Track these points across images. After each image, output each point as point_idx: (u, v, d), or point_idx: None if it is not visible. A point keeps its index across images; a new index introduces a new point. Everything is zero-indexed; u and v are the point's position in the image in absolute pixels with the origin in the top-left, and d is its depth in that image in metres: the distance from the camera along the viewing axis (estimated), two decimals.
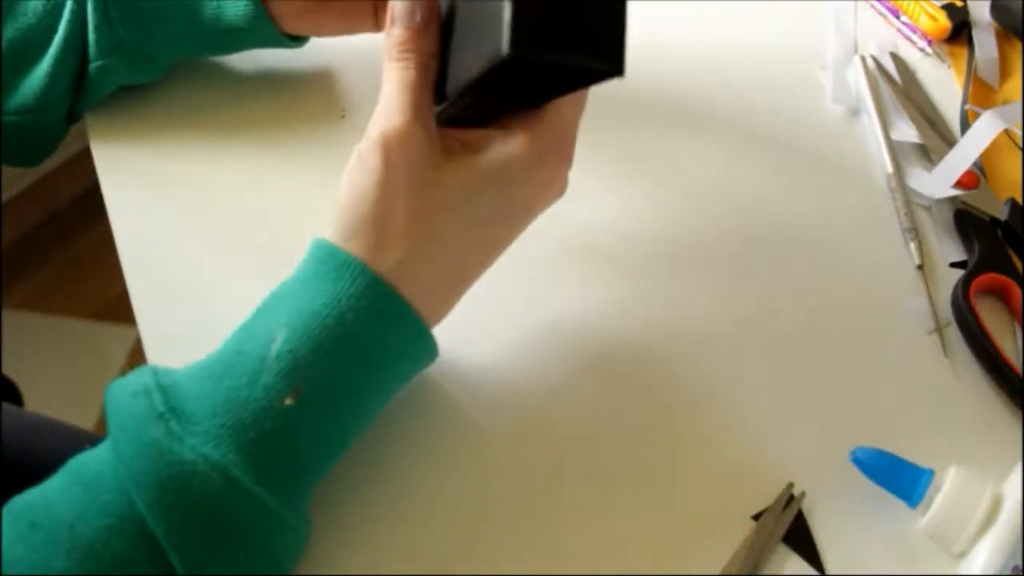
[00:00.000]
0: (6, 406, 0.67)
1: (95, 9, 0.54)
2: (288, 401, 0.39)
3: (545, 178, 0.44)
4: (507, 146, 0.42)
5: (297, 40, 0.58)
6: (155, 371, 0.41)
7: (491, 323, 0.51)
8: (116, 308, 1.45)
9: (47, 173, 1.51)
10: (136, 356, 1.41)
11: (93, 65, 0.56)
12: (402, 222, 0.41)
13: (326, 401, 0.40)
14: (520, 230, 0.45)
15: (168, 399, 0.39)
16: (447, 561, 0.44)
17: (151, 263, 0.54)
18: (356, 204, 0.42)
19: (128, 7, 0.54)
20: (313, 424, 0.40)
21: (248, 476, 0.38)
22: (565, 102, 0.43)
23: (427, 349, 0.43)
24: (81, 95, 0.58)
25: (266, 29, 0.56)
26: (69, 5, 0.54)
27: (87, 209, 1.54)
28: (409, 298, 0.41)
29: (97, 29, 0.54)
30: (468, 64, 0.41)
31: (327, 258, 0.41)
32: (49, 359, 1.40)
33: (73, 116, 0.59)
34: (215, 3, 0.55)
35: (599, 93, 0.43)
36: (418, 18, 0.43)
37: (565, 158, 0.44)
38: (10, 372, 0.82)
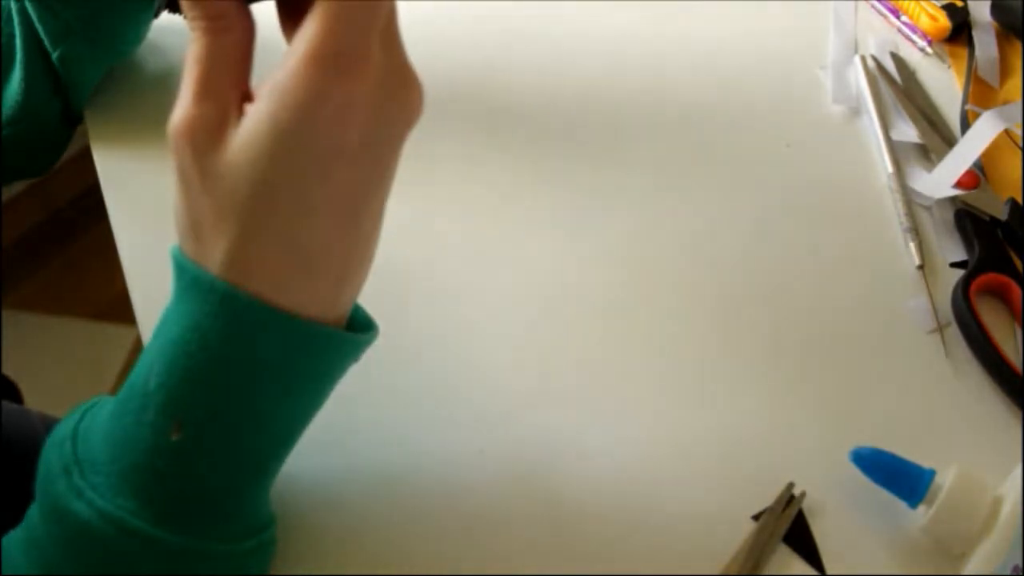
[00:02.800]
0: (8, 404, 0.67)
1: (32, 1, 0.52)
2: (175, 436, 0.36)
3: (338, 102, 0.34)
4: (278, 83, 0.34)
5: None
6: (85, 409, 0.40)
7: (491, 319, 0.51)
8: (116, 308, 1.45)
9: (47, 173, 1.51)
10: (136, 356, 1.41)
11: (54, 56, 0.54)
12: (212, 215, 0.36)
13: (214, 427, 0.37)
14: (382, 176, 0.37)
15: (77, 448, 0.38)
16: (446, 560, 0.44)
17: (151, 263, 0.54)
18: (176, 206, 0.38)
19: None
20: (209, 452, 0.37)
21: (148, 521, 0.36)
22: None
23: (322, 340, 0.38)
24: (66, 92, 0.57)
25: None
26: (14, 5, 0.53)
27: (87, 209, 1.54)
28: (263, 291, 0.36)
29: (41, 19, 0.53)
30: None
31: (181, 274, 0.37)
32: (49, 359, 1.40)
33: (72, 118, 0.59)
34: None
35: (599, 93, 0.43)
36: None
37: (351, 70, 0.34)
38: (10, 372, 0.82)
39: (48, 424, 0.68)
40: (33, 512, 0.39)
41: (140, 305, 0.52)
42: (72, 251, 1.54)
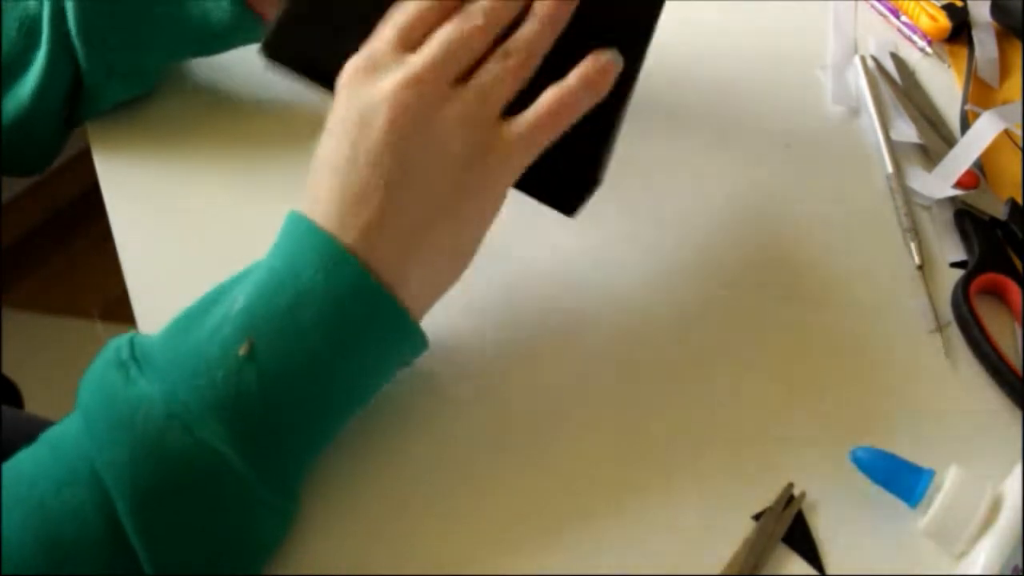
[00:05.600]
0: (5, 408, 0.67)
1: (80, 38, 0.53)
2: (242, 351, 0.39)
3: (376, 93, 0.42)
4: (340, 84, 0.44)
5: None
6: (136, 333, 0.42)
7: (492, 322, 0.51)
8: (116, 308, 1.44)
9: (47, 173, 1.51)
10: None
11: (88, 89, 0.56)
12: (364, 179, 0.42)
13: (280, 357, 0.40)
14: (497, 199, 0.44)
15: (134, 350, 0.40)
16: (444, 560, 0.44)
17: (151, 263, 0.54)
18: (325, 166, 0.43)
19: (113, 31, 0.54)
20: (266, 378, 0.39)
21: (193, 415, 0.38)
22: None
23: (401, 324, 0.42)
24: (79, 109, 0.58)
25: (252, 28, 0.55)
26: (45, 30, 0.53)
27: (87, 209, 1.54)
28: (377, 269, 0.41)
29: (87, 58, 0.54)
30: None
31: (292, 228, 0.42)
32: (49, 359, 1.40)
33: (73, 123, 0.59)
34: (199, 10, 0.54)
35: None
36: None
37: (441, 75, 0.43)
38: (10, 372, 0.82)
39: (43, 428, 0.68)
40: (71, 416, 0.40)
41: (140, 305, 0.52)
42: (72, 251, 1.54)
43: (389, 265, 0.41)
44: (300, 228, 0.42)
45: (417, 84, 0.42)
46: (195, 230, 0.55)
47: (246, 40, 0.57)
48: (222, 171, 0.58)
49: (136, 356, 0.40)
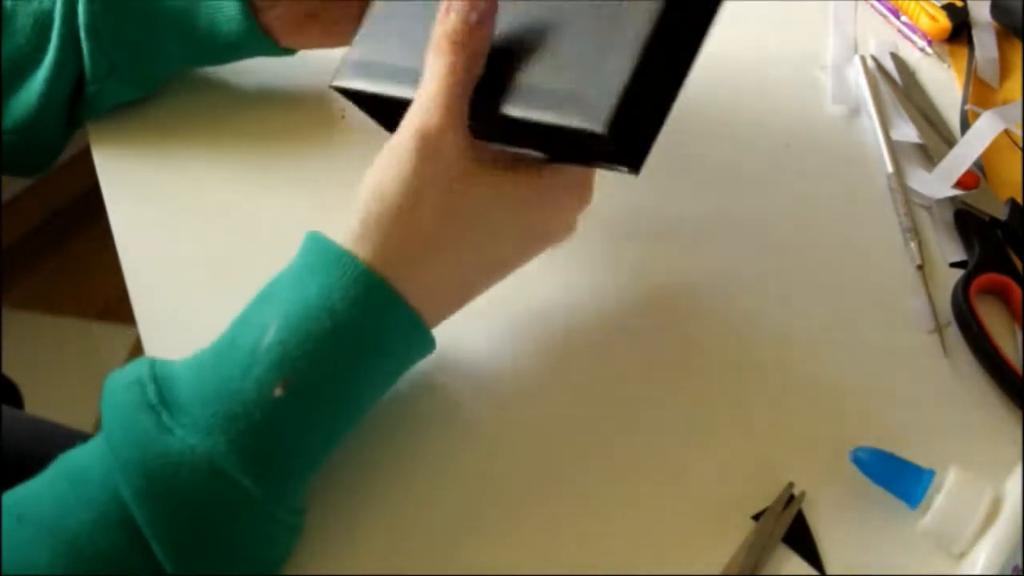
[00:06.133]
0: (5, 408, 0.67)
1: (88, 35, 0.54)
2: (278, 392, 0.39)
3: (562, 214, 0.46)
4: (532, 174, 0.44)
5: (289, 51, 0.58)
6: (152, 363, 0.41)
7: (488, 326, 0.51)
8: (116, 308, 1.45)
9: (47, 173, 1.51)
10: (136, 356, 1.41)
11: (90, 89, 0.56)
12: (426, 223, 0.42)
13: (316, 392, 0.40)
14: (526, 257, 0.47)
15: (161, 390, 0.40)
16: (443, 560, 0.44)
17: (151, 263, 0.54)
18: (378, 199, 0.42)
19: (121, 31, 0.54)
20: (303, 415, 0.40)
21: (236, 467, 0.38)
22: None
23: (422, 341, 0.43)
24: (80, 110, 0.58)
25: (260, 42, 0.56)
26: (56, 27, 0.54)
27: (87, 209, 1.54)
28: (406, 295, 0.41)
29: (92, 55, 0.54)
30: (533, 101, 0.43)
31: (320, 251, 0.42)
32: (49, 359, 1.40)
33: (75, 124, 0.59)
34: (208, 20, 0.55)
35: None
36: (475, 15, 0.43)
37: (584, 199, 0.47)
38: (10, 372, 0.82)
39: (49, 428, 0.68)
40: (91, 450, 0.40)
41: (140, 305, 0.52)
42: (72, 251, 1.54)
43: (410, 280, 0.42)
44: (332, 255, 0.41)
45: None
46: (195, 230, 0.55)
47: (252, 53, 0.57)
48: (222, 171, 0.58)
49: (165, 399, 0.39)
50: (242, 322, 0.42)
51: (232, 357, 0.40)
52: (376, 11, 0.52)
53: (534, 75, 0.44)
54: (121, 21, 0.54)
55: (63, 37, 0.54)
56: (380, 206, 0.42)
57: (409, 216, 0.41)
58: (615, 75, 0.41)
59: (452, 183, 0.42)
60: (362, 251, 0.41)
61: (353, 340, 0.40)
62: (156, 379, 0.40)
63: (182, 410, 0.39)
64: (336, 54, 0.62)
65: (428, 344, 0.44)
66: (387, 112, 0.52)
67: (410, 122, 0.42)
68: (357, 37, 0.52)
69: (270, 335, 0.40)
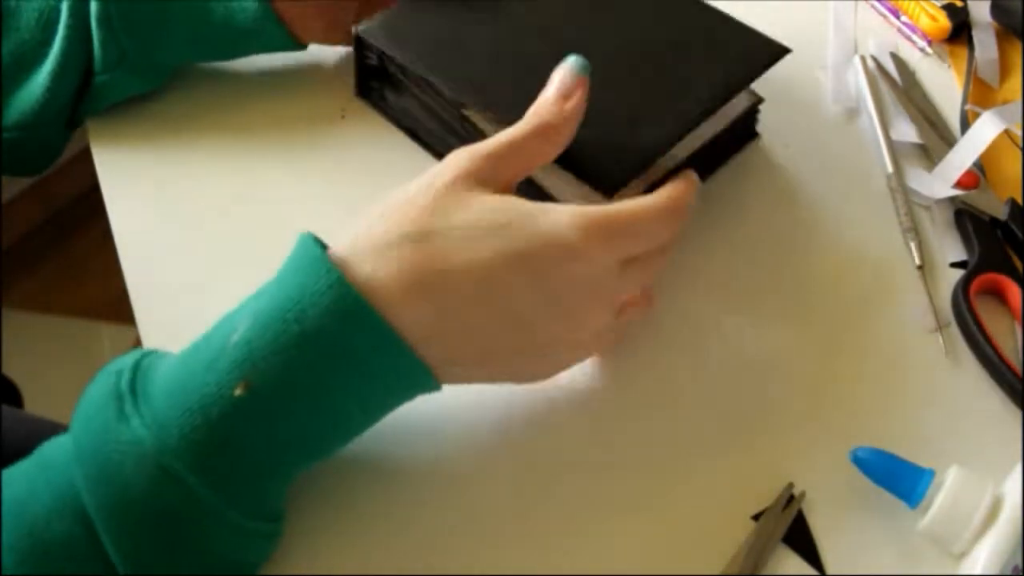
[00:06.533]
0: (5, 408, 0.67)
1: (99, 23, 0.54)
2: (238, 391, 0.38)
3: (588, 268, 0.42)
4: (554, 214, 0.42)
5: (301, 45, 0.59)
6: (144, 352, 0.41)
7: None
8: (116, 308, 1.45)
9: (47, 173, 1.51)
10: None
11: (99, 79, 0.56)
12: (436, 261, 0.40)
13: (277, 396, 0.38)
14: (545, 331, 0.42)
15: (135, 379, 0.39)
16: (443, 560, 0.44)
17: (151, 263, 0.54)
18: (388, 219, 0.41)
19: (133, 18, 0.54)
20: (262, 419, 0.38)
21: (182, 463, 0.37)
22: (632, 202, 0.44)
23: (414, 372, 0.41)
24: (83, 106, 0.58)
25: (275, 33, 0.56)
26: (64, 19, 0.54)
27: (87, 209, 1.54)
28: (395, 321, 0.39)
29: (102, 42, 0.54)
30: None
31: (303, 252, 0.40)
32: (49, 359, 1.40)
33: (76, 122, 0.59)
34: (224, 9, 0.55)
35: None
36: (568, 106, 0.45)
37: (612, 249, 0.42)
38: (10, 372, 0.82)
39: (42, 428, 0.68)
40: (63, 437, 0.40)
41: (140, 305, 0.52)
42: (72, 251, 1.54)
43: (404, 307, 0.40)
44: (311, 257, 0.40)
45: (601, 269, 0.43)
46: (195, 230, 0.55)
47: (264, 45, 0.57)
48: (222, 171, 0.58)
49: (135, 387, 0.39)
50: (225, 317, 0.41)
51: (202, 351, 0.39)
52: None
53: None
54: (134, 8, 0.54)
55: (71, 29, 0.54)
56: (386, 225, 0.41)
57: (417, 246, 0.40)
58: (642, 152, 0.49)
59: (476, 232, 0.40)
60: (353, 265, 0.40)
61: (321, 349, 0.39)
62: (136, 368, 0.40)
63: (147, 400, 0.38)
64: (334, 55, 0.63)
65: (425, 378, 0.41)
66: (392, 88, 0.54)
67: (458, 161, 0.42)
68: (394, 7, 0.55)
69: (239, 333, 0.39)
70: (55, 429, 0.63)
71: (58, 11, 0.54)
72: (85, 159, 0.59)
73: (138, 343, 0.48)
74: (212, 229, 0.55)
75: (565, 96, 0.45)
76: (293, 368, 0.38)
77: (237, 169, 0.58)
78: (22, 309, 1.48)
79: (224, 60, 0.61)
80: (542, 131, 0.44)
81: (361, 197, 0.57)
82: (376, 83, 0.57)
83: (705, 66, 0.53)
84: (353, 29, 0.54)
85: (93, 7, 0.53)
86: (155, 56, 0.57)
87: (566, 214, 0.42)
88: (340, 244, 0.41)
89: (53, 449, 0.40)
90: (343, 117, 0.60)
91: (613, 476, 0.47)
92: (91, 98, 0.57)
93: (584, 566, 0.44)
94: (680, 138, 0.51)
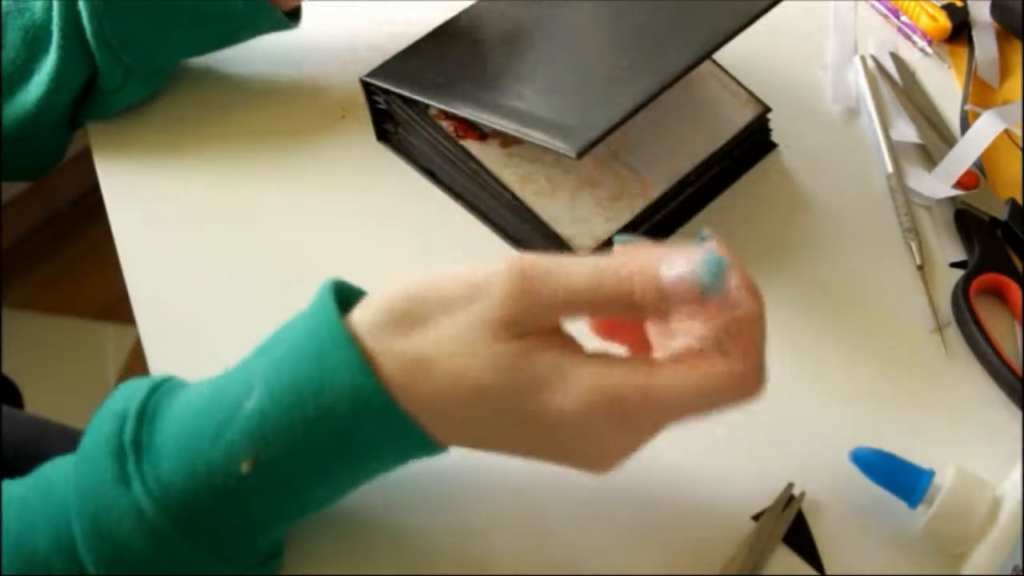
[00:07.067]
0: (5, 408, 0.67)
1: (99, 45, 0.53)
2: (245, 467, 0.37)
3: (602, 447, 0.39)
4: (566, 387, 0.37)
5: (293, 19, 0.59)
6: (151, 391, 0.40)
7: None
8: (116, 308, 1.45)
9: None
10: (136, 356, 1.41)
11: (108, 97, 0.56)
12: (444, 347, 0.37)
13: (284, 473, 0.38)
14: (550, 449, 0.40)
15: (139, 430, 0.38)
16: (443, 560, 0.44)
17: (151, 263, 0.54)
18: (427, 302, 0.38)
19: (130, 34, 0.54)
20: (266, 492, 0.38)
21: (183, 530, 0.37)
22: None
23: (422, 447, 0.39)
24: (87, 112, 0.58)
25: (269, 17, 0.56)
26: (56, 39, 0.53)
27: (87, 209, 1.54)
28: (408, 405, 0.37)
29: (105, 63, 0.54)
30: (526, 122, 0.49)
31: (329, 326, 0.38)
32: (49, 359, 1.40)
33: (75, 125, 0.59)
34: (216, 5, 0.55)
35: None
36: (663, 305, 0.37)
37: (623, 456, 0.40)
38: (10, 372, 0.82)
39: (49, 428, 0.68)
40: (65, 468, 0.39)
41: (140, 305, 0.52)
42: (72, 251, 1.54)
43: (432, 412, 0.38)
44: (332, 332, 0.37)
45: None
46: (195, 230, 0.55)
47: (261, 31, 0.58)
48: (222, 171, 0.58)
49: (140, 440, 0.38)
50: (241, 369, 0.39)
51: (214, 410, 0.38)
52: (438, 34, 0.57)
53: (535, 103, 0.49)
54: (127, 22, 0.54)
55: (64, 46, 0.53)
56: (423, 309, 0.38)
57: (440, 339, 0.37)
58: (601, 121, 0.48)
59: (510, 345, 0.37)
60: (374, 345, 0.37)
61: (336, 435, 0.37)
62: (142, 416, 0.39)
63: (151, 458, 0.38)
64: (342, 46, 0.62)
65: (435, 451, 0.40)
66: (404, 120, 0.55)
67: (519, 260, 0.37)
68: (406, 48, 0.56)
69: (252, 401, 0.37)
70: (55, 429, 0.63)
71: (46, 30, 0.54)
72: (85, 159, 0.59)
73: (138, 343, 0.48)
74: (212, 229, 0.55)
75: (670, 297, 0.37)
76: (304, 450, 0.38)
77: (237, 169, 0.58)
78: (22, 309, 1.48)
79: (219, 49, 0.60)
80: (626, 299, 0.37)
81: (361, 197, 0.57)
82: (391, 126, 0.58)
83: (679, 28, 0.52)
84: (360, 77, 0.56)
85: (87, 28, 0.53)
86: (157, 62, 0.57)
87: (580, 389, 0.37)
88: (367, 319, 0.38)
89: (55, 478, 0.39)
90: (343, 117, 0.60)
91: (613, 476, 0.47)
92: (98, 107, 0.57)
93: (584, 566, 0.44)
94: (653, 97, 0.49)
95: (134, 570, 0.37)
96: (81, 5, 0.53)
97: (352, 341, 0.37)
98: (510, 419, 0.38)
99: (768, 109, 0.57)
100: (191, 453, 0.37)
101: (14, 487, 0.40)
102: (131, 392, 0.40)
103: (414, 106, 0.54)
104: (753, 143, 0.58)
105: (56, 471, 0.40)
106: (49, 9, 0.53)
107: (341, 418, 0.37)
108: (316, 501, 0.40)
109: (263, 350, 0.39)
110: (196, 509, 0.37)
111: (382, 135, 0.59)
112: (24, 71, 0.54)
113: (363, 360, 0.37)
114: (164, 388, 0.40)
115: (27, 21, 0.54)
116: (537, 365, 0.37)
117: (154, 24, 0.55)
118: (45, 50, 0.54)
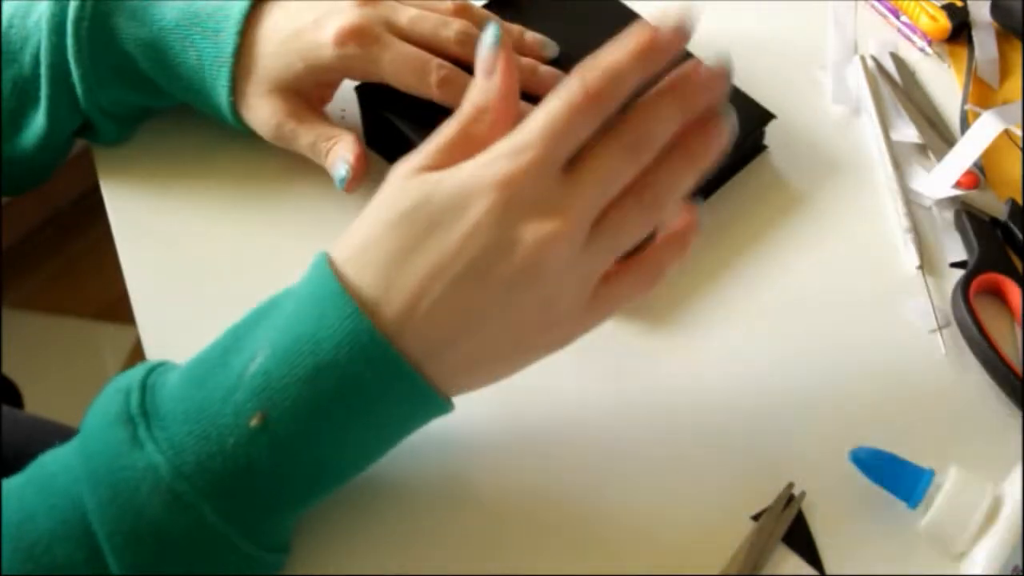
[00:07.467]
0: (5, 408, 0.67)
1: (94, 112, 0.54)
2: (254, 422, 0.38)
3: (494, 179, 0.39)
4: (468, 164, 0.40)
5: None
6: (150, 368, 0.41)
7: None
8: (116, 308, 1.45)
9: None
10: (136, 356, 1.41)
11: (100, 131, 0.56)
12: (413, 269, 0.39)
13: (293, 429, 0.39)
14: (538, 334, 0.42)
15: (145, 400, 0.39)
16: (443, 560, 0.44)
17: (151, 263, 0.54)
18: (371, 232, 0.40)
19: (126, 109, 0.56)
20: (277, 450, 0.39)
21: (196, 490, 0.38)
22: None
23: (429, 402, 0.41)
24: (87, 139, 0.58)
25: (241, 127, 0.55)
26: (45, 91, 0.53)
27: (87, 209, 1.53)
28: (405, 348, 0.39)
29: (101, 125, 0.55)
30: None
31: (323, 282, 0.40)
32: (49, 359, 1.40)
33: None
34: (203, 106, 0.55)
35: None
36: (493, 83, 0.42)
37: (523, 155, 0.39)
38: (10, 372, 0.82)
39: (48, 428, 0.68)
40: (61, 457, 0.40)
41: (140, 305, 0.52)
42: (72, 251, 1.54)
43: (427, 351, 0.40)
44: (329, 289, 0.39)
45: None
46: (195, 230, 0.55)
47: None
48: (222, 170, 0.58)
49: (146, 408, 0.39)
50: (237, 337, 0.40)
51: (220, 377, 0.39)
52: None
53: None
54: (123, 102, 0.55)
55: (54, 106, 0.53)
56: (387, 244, 0.40)
57: (402, 263, 0.39)
58: None
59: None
60: (365, 291, 0.39)
61: (339, 386, 0.39)
62: (144, 387, 0.40)
63: (161, 423, 0.39)
64: None
65: (440, 406, 0.42)
66: (390, 141, 0.54)
67: (412, 163, 0.41)
68: None
69: (257, 362, 0.39)
70: (55, 429, 0.63)
71: (33, 83, 0.53)
72: (85, 159, 0.59)
73: (138, 343, 0.48)
74: (212, 229, 0.55)
75: (487, 72, 0.42)
76: (310, 402, 0.38)
77: (236, 169, 0.58)
78: (22, 309, 1.48)
79: None
80: (475, 115, 0.42)
81: (361, 197, 0.57)
82: (382, 136, 0.57)
83: None
84: (355, 86, 0.55)
85: (78, 89, 0.52)
86: (151, 113, 0.58)
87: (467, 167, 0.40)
88: (344, 255, 0.40)
89: (50, 469, 0.40)
90: (343, 117, 0.60)
91: (613, 476, 0.47)
92: (99, 139, 0.58)
93: (585, 565, 0.44)
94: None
95: (153, 539, 0.38)
96: (72, 68, 0.52)
97: (347, 292, 0.39)
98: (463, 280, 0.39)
99: (771, 117, 0.57)
100: (200, 417, 0.38)
101: (11, 483, 0.40)
102: (128, 375, 0.41)
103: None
104: (748, 147, 0.58)
105: (54, 461, 0.40)
106: (36, 65, 0.52)
107: (341, 367, 0.38)
108: (331, 464, 0.41)
109: (258, 318, 0.41)
110: (211, 470, 0.38)
111: (372, 142, 0.58)
112: (14, 123, 0.54)
113: (359, 309, 0.38)
114: (158, 368, 0.41)
115: (15, 73, 0.53)
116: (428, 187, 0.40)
117: (147, 107, 0.57)
118: (35, 100, 0.53)
